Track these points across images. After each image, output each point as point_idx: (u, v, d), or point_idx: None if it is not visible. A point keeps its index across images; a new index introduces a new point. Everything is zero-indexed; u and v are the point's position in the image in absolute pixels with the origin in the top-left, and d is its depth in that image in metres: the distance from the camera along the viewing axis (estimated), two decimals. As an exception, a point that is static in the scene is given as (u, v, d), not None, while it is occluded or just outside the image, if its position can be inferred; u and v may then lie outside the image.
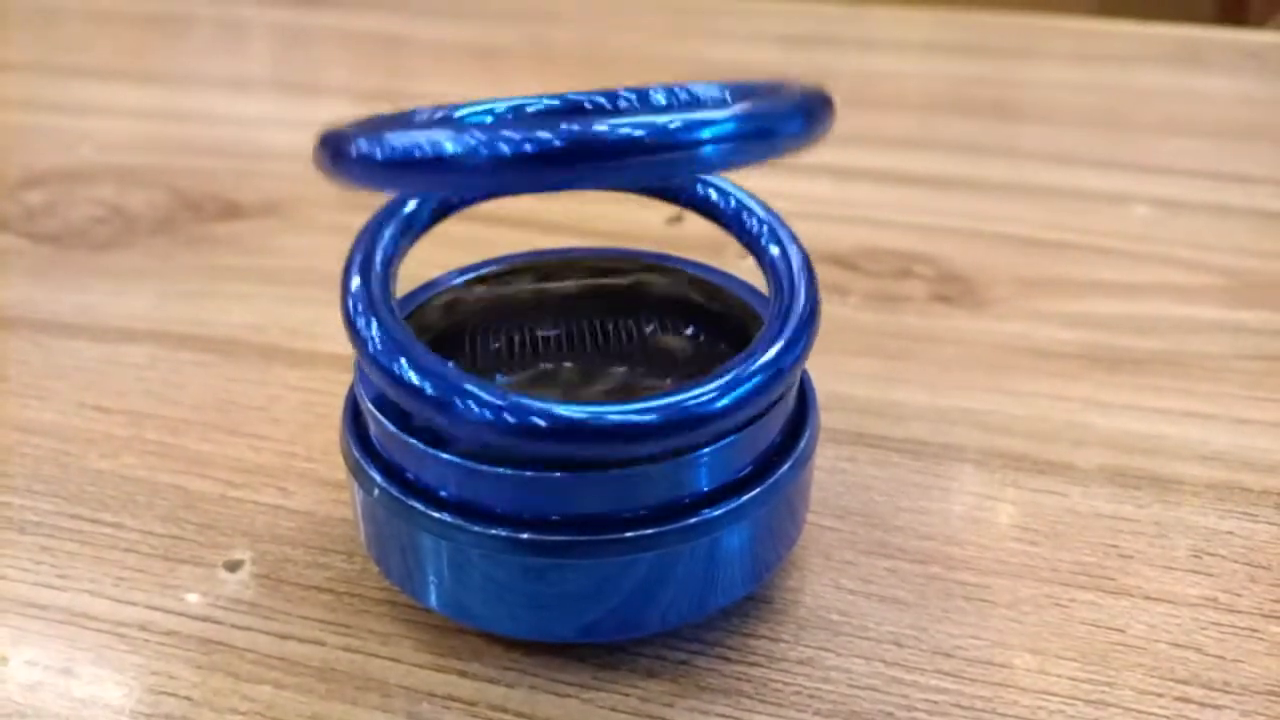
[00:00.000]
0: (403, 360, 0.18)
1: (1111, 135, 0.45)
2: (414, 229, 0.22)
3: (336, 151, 0.17)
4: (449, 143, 0.16)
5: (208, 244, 0.36)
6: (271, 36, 0.58)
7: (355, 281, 0.20)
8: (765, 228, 0.22)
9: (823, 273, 0.34)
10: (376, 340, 0.19)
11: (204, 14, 0.60)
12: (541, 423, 0.18)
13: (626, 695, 0.21)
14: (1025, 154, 0.43)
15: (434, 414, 0.18)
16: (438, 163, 0.16)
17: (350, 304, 0.20)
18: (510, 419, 0.18)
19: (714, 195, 0.23)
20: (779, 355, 0.19)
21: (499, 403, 0.18)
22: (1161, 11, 0.63)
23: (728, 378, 0.19)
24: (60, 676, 0.21)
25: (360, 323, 0.19)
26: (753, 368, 0.19)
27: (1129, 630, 0.22)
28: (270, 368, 0.30)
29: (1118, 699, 0.20)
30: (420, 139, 0.16)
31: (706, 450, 0.19)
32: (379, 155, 0.17)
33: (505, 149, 0.16)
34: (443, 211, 0.22)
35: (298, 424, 0.27)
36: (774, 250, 0.22)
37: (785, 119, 0.17)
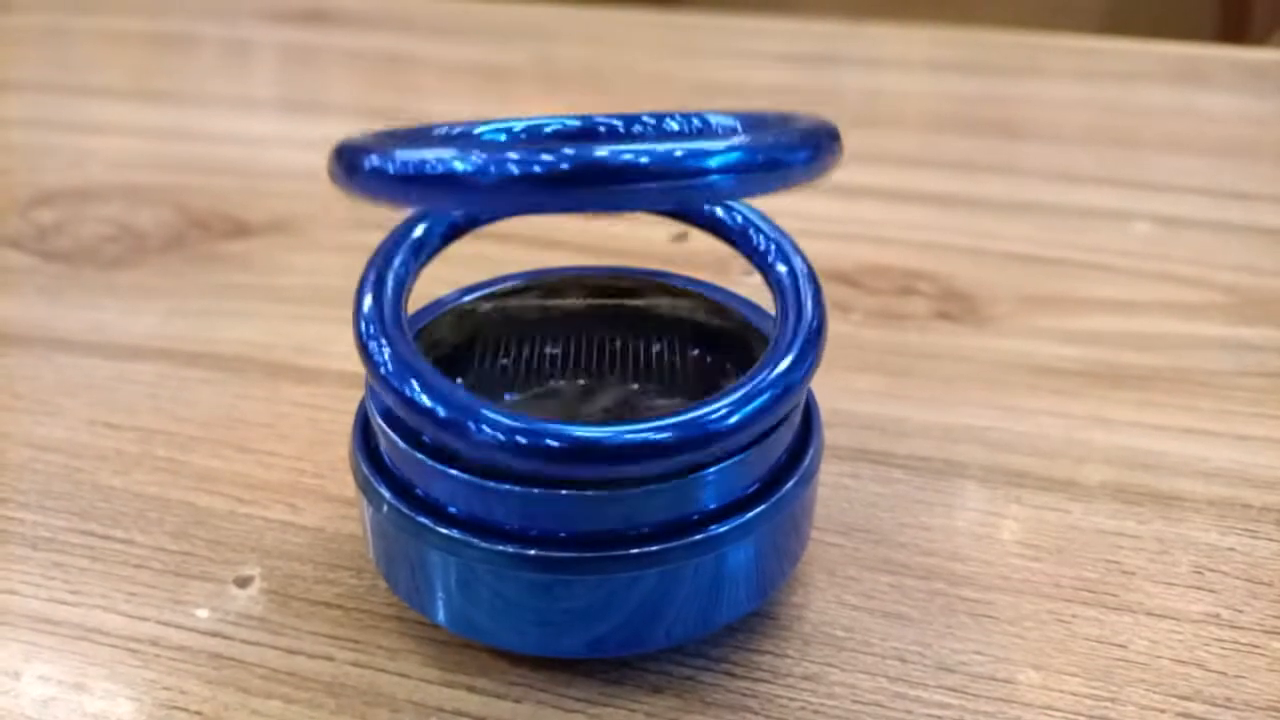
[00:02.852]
0: (414, 383, 0.19)
1: (1113, 152, 0.45)
2: (425, 252, 0.22)
3: (350, 164, 0.18)
4: (459, 161, 0.16)
5: (216, 262, 0.37)
6: (278, 56, 0.59)
7: (368, 302, 0.20)
8: (772, 245, 0.23)
9: (825, 290, 0.34)
10: (389, 363, 0.19)
11: (211, 34, 0.61)
12: (555, 444, 0.18)
13: (633, 711, 0.21)
14: (1027, 171, 0.43)
15: (446, 436, 0.18)
16: (448, 180, 0.16)
17: (363, 326, 0.20)
18: (522, 440, 0.18)
19: (720, 212, 0.23)
20: (788, 370, 0.20)
21: (511, 424, 0.18)
22: (1163, 29, 0.64)
23: (739, 394, 0.19)
24: (73, 692, 0.21)
25: (373, 346, 0.20)
26: (763, 383, 0.19)
27: (1131, 646, 0.22)
28: (278, 385, 0.30)
29: (1121, 715, 0.21)
30: (431, 156, 0.16)
31: (713, 469, 0.19)
32: (390, 170, 0.17)
33: (514, 169, 0.16)
34: (453, 234, 0.23)
35: (306, 440, 0.28)
36: (781, 267, 0.22)
37: (792, 150, 0.17)
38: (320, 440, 0.28)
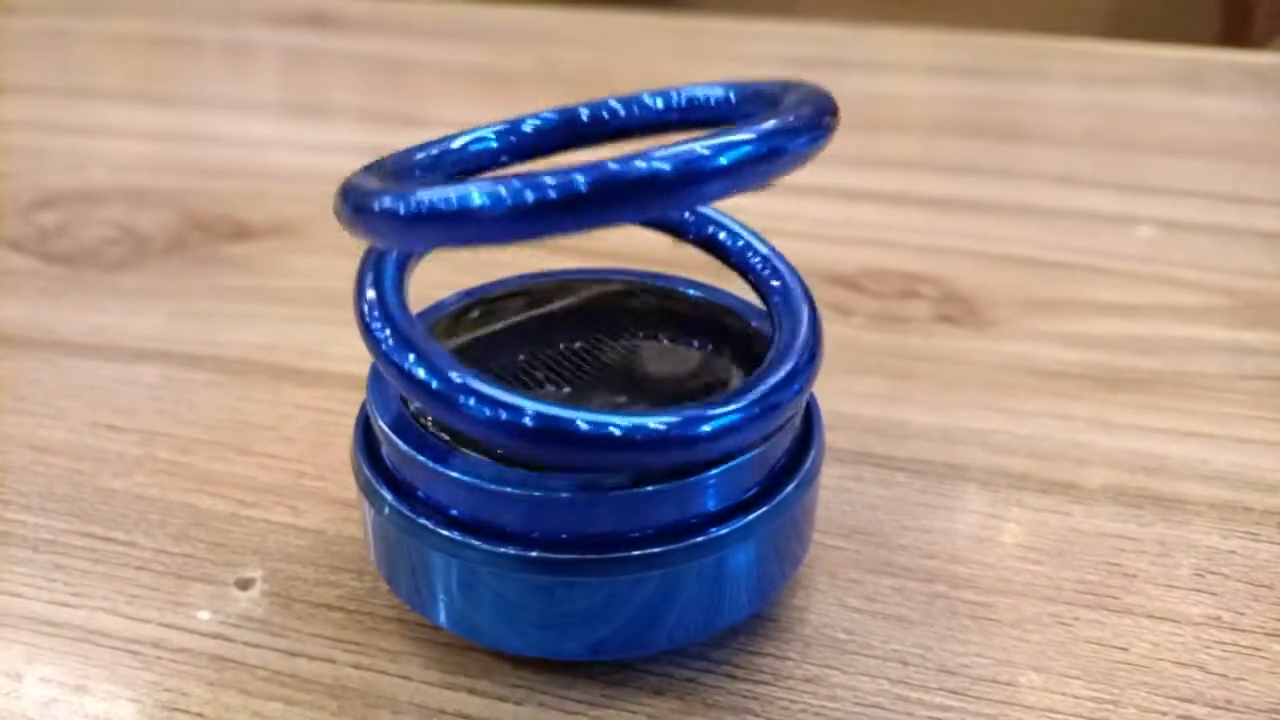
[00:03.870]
0: (413, 358, 0.18)
1: (1115, 156, 0.45)
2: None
3: (358, 207, 0.17)
4: (476, 194, 0.16)
5: (218, 264, 0.37)
6: (280, 59, 0.59)
7: (370, 292, 0.20)
8: (768, 263, 0.23)
9: (827, 293, 0.34)
10: (390, 340, 0.19)
11: (213, 37, 0.61)
12: (530, 424, 0.18)
13: (635, 713, 0.21)
14: (1029, 175, 0.43)
15: (443, 413, 0.18)
16: (463, 216, 0.16)
17: (365, 309, 0.20)
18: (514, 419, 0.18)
19: (722, 235, 0.23)
20: (787, 378, 0.20)
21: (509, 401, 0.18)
22: (1164, 33, 0.64)
23: (738, 403, 0.19)
24: (74, 694, 0.21)
25: (375, 327, 0.19)
26: (757, 396, 0.19)
27: (1133, 649, 0.22)
28: (280, 387, 0.30)
29: (1122, 717, 0.21)
30: (447, 194, 0.16)
31: (714, 471, 0.19)
32: (403, 211, 0.17)
33: (529, 196, 0.16)
34: None
35: (308, 443, 0.28)
36: (775, 283, 0.22)
37: (796, 136, 0.17)
38: (322, 442, 0.28)
